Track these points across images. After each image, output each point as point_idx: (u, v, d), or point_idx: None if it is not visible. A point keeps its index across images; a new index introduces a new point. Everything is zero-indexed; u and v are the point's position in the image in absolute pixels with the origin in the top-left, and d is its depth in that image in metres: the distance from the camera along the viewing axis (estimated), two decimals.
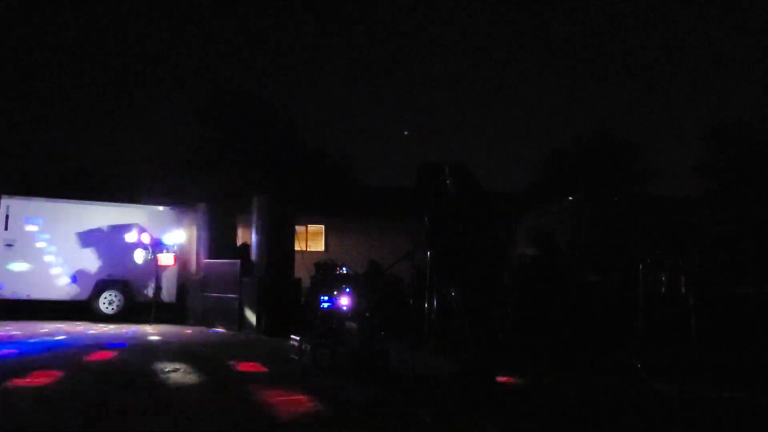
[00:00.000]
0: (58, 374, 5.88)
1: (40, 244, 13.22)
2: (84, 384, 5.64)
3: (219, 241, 13.49)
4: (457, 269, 6.06)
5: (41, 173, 21.54)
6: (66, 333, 10.29)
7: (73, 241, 13.49)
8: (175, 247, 13.84)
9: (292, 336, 7.85)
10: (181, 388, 5.73)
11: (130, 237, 13.63)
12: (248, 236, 12.64)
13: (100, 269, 13.62)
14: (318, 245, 19.78)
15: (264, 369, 6.98)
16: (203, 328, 11.95)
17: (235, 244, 13.87)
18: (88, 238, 13.62)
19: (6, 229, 12.98)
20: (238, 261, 12.05)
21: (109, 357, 7.61)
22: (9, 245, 12.96)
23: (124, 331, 11.20)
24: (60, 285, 13.31)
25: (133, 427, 4.15)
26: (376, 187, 24.54)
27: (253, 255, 12.10)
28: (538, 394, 5.84)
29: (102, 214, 13.99)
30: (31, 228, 13.19)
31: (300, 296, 12.12)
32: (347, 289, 8.90)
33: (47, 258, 13.24)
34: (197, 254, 13.95)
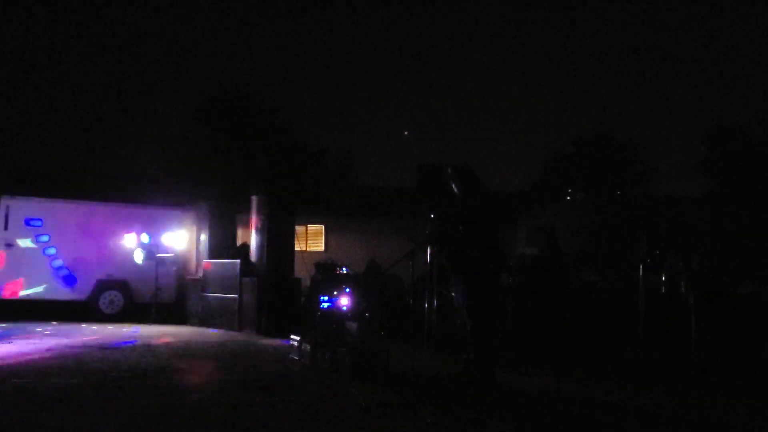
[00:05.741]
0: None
1: (39, 244, 13.21)
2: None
3: (219, 241, 13.47)
4: (457, 269, 6.06)
5: (41, 173, 21.53)
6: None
7: (73, 241, 13.47)
8: (175, 247, 13.81)
9: (292, 336, 7.85)
10: (179, 389, 5.74)
11: (130, 237, 13.62)
12: (248, 236, 12.63)
13: (100, 269, 13.60)
14: (318, 245, 19.80)
15: (264, 369, 6.98)
16: (203, 329, 11.95)
17: (235, 244, 13.86)
18: (87, 238, 13.60)
19: (6, 229, 12.96)
20: (238, 261, 12.04)
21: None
22: (9, 245, 12.95)
23: (125, 331, 11.21)
24: (60, 285, 13.30)
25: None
26: (376, 187, 24.54)
27: (253, 255, 12.10)
28: (539, 395, 5.84)
29: (102, 214, 13.97)
30: (31, 228, 13.18)
31: (300, 296, 12.10)
32: (347, 289, 8.92)
33: (47, 258, 13.22)
34: (197, 254, 13.93)
